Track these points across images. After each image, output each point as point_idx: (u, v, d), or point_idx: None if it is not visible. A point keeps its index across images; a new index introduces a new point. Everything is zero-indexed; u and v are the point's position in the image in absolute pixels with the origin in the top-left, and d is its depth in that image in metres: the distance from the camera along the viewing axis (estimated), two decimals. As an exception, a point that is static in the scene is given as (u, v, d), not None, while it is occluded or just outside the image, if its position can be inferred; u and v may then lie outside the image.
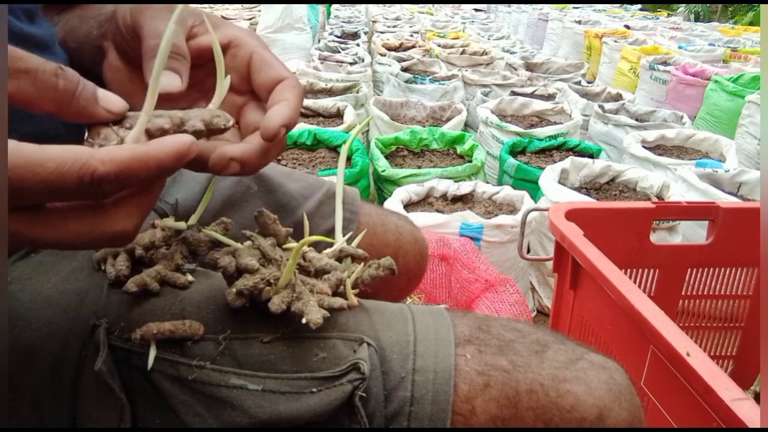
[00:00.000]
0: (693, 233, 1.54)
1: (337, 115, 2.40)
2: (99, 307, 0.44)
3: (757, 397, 1.01)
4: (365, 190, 1.92)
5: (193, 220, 0.49)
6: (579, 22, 5.41)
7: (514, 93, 2.84)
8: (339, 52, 3.81)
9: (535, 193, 1.72)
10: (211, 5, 5.84)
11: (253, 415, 0.41)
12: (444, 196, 1.73)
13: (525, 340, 0.48)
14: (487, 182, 1.86)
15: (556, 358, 0.46)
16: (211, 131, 0.39)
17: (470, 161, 1.95)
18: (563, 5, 6.96)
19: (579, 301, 0.91)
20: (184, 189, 0.61)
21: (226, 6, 5.89)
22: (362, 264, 0.50)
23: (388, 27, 5.16)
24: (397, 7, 7.22)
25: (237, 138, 0.46)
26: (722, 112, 2.75)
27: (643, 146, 2.06)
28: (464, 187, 1.71)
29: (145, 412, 0.42)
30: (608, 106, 2.63)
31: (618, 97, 2.92)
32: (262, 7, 5.05)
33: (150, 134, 0.37)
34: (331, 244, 0.50)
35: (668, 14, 8.16)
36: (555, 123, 2.44)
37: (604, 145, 2.43)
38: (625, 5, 8.60)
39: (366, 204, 0.72)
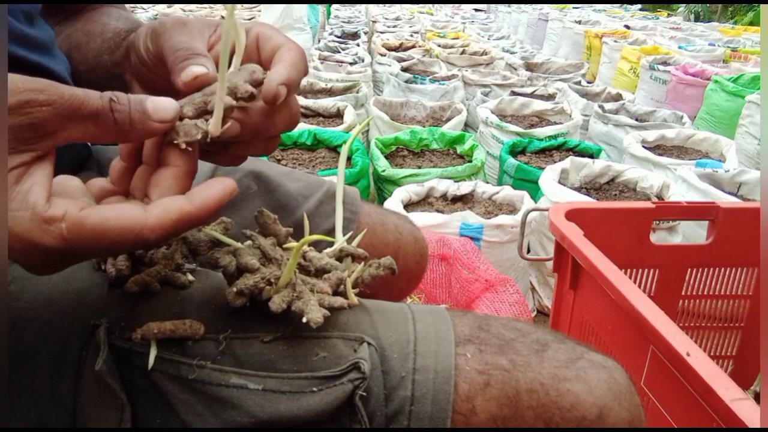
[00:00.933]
0: (693, 233, 1.54)
1: (337, 115, 2.40)
2: (99, 306, 0.44)
3: (757, 397, 1.01)
4: (365, 190, 1.92)
5: None
6: (579, 22, 5.41)
7: (514, 93, 2.84)
8: (339, 52, 3.81)
9: (535, 193, 1.72)
10: (211, 5, 5.84)
11: (254, 414, 0.41)
12: (444, 196, 1.73)
13: (525, 339, 0.48)
14: (487, 182, 1.86)
15: (556, 357, 0.46)
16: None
17: (470, 161, 1.95)
18: (563, 5, 6.95)
19: (579, 301, 0.92)
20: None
21: (226, 6, 5.88)
22: (362, 263, 0.50)
23: (388, 27, 5.16)
24: (397, 7, 7.22)
25: None
26: (722, 112, 2.75)
27: (643, 146, 2.06)
28: (464, 187, 1.71)
29: (146, 412, 0.42)
30: (608, 106, 2.63)
31: (618, 97, 2.92)
32: (262, 7, 5.06)
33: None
34: (331, 244, 0.50)
35: (668, 14, 8.16)
36: (555, 123, 2.44)
37: (604, 145, 2.43)
38: (625, 5, 8.60)
39: (366, 204, 0.72)
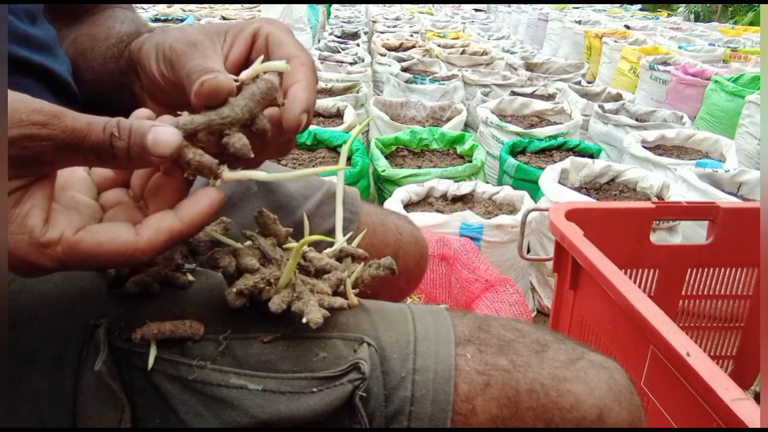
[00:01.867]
0: (693, 233, 1.54)
1: (337, 115, 2.40)
2: (99, 306, 0.44)
3: (757, 397, 1.01)
4: (365, 190, 1.92)
5: None
6: (579, 22, 5.41)
7: (514, 93, 2.84)
8: (339, 52, 3.81)
9: (535, 193, 1.72)
10: (211, 5, 5.84)
11: (254, 414, 0.41)
12: (444, 196, 1.73)
13: (525, 339, 0.48)
14: (487, 182, 1.86)
15: (556, 357, 0.46)
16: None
17: (470, 161, 1.95)
18: (563, 5, 6.95)
19: (579, 301, 0.91)
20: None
21: (226, 6, 5.89)
22: (362, 264, 0.50)
23: (388, 27, 5.16)
24: (397, 7, 7.22)
25: None
26: (722, 112, 2.75)
27: (643, 146, 2.06)
28: (464, 187, 1.71)
29: (146, 412, 0.42)
30: (608, 106, 2.63)
31: (618, 97, 2.92)
32: (262, 7, 5.06)
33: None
34: (331, 244, 0.50)
35: (668, 14, 8.16)
36: (555, 123, 2.44)
37: (604, 145, 2.43)
38: (625, 5, 8.60)
39: (366, 204, 0.72)
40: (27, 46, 0.50)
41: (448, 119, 2.44)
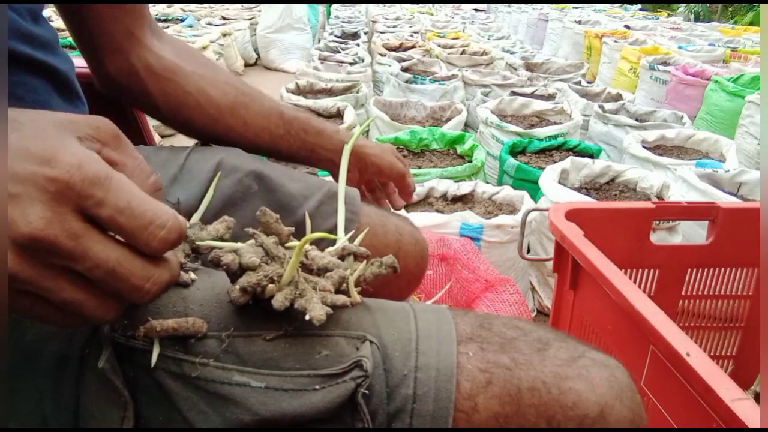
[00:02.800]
0: (693, 233, 1.54)
1: (337, 115, 2.40)
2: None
3: (757, 397, 1.01)
4: (365, 190, 1.92)
5: (195, 218, 0.49)
6: (579, 22, 5.41)
7: (514, 93, 2.84)
8: (339, 52, 3.82)
9: (535, 193, 1.72)
10: (211, 5, 5.84)
11: (257, 412, 0.41)
12: (444, 196, 1.73)
13: (527, 337, 0.48)
14: (487, 182, 1.86)
15: (558, 355, 0.47)
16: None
17: (470, 161, 1.95)
18: (563, 5, 6.96)
19: (579, 301, 0.92)
20: (185, 189, 0.61)
21: (226, 6, 5.89)
22: (364, 262, 0.50)
23: (388, 27, 5.17)
24: (397, 7, 7.22)
25: None
26: (722, 112, 2.76)
27: (643, 146, 2.06)
28: (464, 187, 1.71)
29: (148, 410, 0.42)
30: (608, 106, 2.63)
31: (618, 97, 2.92)
32: (262, 7, 5.06)
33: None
34: (332, 243, 0.50)
35: (668, 14, 8.16)
36: (555, 123, 2.45)
37: (604, 145, 2.43)
38: (625, 5, 8.60)
39: (366, 205, 0.72)
40: (30, 44, 0.50)
41: (448, 119, 2.44)
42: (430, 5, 7.58)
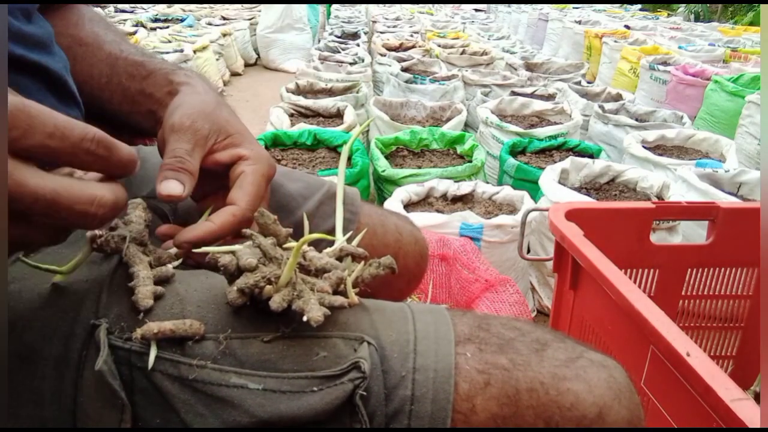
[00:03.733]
0: (693, 233, 1.54)
1: (337, 115, 2.40)
2: (99, 306, 0.44)
3: (757, 397, 1.01)
4: (365, 190, 1.92)
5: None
6: (579, 22, 5.41)
7: (514, 93, 2.84)
8: (339, 52, 3.82)
9: (535, 193, 1.72)
10: (211, 5, 5.84)
11: (254, 414, 0.41)
12: (444, 196, 1.73)
13: (525, 338, 0.48)
14: (487, 182, 1.86)
15: (556, 356, 0.46)
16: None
17: (470, 161, 1.95)
18: (563, 5, 6.96)
19: (579, 301, 0.92)
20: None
21: (226, 6, 5.89)
22: (363, 263, 0.50)
23: (388, 27, 5.17)
24: (397, 7, 7.22)
25: None
26: (722, 112, 2.75)
27: (643, 146, 2.06)
28: (464, 187, 1.71)
29: (146, 412, 0.42)
30: (608, 106, 2.63)
31: (618, 97, 2.92)
32: (262, 7, 5.06)
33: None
34: (331, 244, 0.50)
35: (668, 14, 8.16)
36: (555, 123, 2.44)
37: (604, 145, 2.43)
38: (625, 5, 8.60)
39: (366, 204, 0.72)
40: (23, 44, 0.50)
41: (448, 119, 2.44)
42: (430, 5, 7.58)
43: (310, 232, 0.49)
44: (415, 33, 4.78)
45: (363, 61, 3.43)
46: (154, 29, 4.34)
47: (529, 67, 3.60)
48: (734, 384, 0.55)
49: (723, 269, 1.05)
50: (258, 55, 5.02)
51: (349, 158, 1.87)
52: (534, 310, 1.64)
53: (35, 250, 0.43)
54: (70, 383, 0.42)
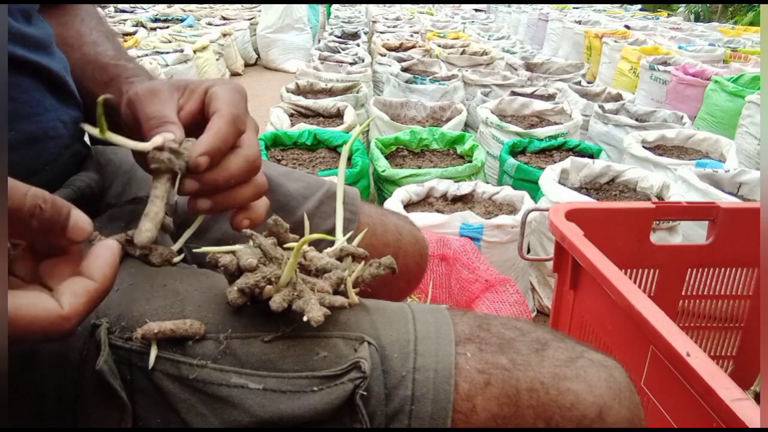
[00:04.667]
0: (693, 233, 1.54)
1: (337, 115, 2.40)
2: (100, 306, 0.44)
3: (757, 397, 1.01)
4: (365, 190, 1.92)
5: (179, 244, 0.49)
6: (579, 22, 5.40)
7: (514, 93, 2.84)
8: (339, 52, 3.82)
9: (535, 193, 1.72)
10: (211, 5, 5.84)
11: (255, 414, 0.41)
12: (444, 196, 1.73)
13: (525, 338, 0.48)
14: (487, 182, 1.86)
15: (556, 356, 0.47)
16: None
17: (470, 161, 1.95)
18: (563, 5, 6.95)
19: (579, 301, 0.92)
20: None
21: (226, 6, 5.89)
22: (363, 263, 0.50)
23: (388, 27, 5.16)
24: (397, 7, 7.22)
25: None
26: (722, 112, 2.75)
27: (643, 146, 2.06)
28: (464, 187, 1.71)
29: (146, 412, 0.42)
30: (608, 106, 2.63)
31: (618, 97, 2.92)
32: (262, 7, 5.06)
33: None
34: (331, 244, 0.50)
35: (668, 14, 8.15)
36: (555, 123, 2.44)
37: (604, 145, 2.43)
38: (625, 5, 8.60)
39: (366, 204, 0.72)
40: (23, 45, 0.50)
41: (448, 119, 2.44)
42: (430, 5, 7.58)
43: (311, 232, 0.49)
44: (415, 33, 4.77)
45: (363, 61, 3.43)
46: (154, 29, 4.33)
47: (529, 67, 3.60)
48: (734, 384, 0.55)
49: (723, 269, 1.05)
50: (258, 55, 5.02)
51: (349, 158, 1.87)
52: (534, 310, 1.64)
53: None
54: (70, 383, 0.42)
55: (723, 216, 1.01)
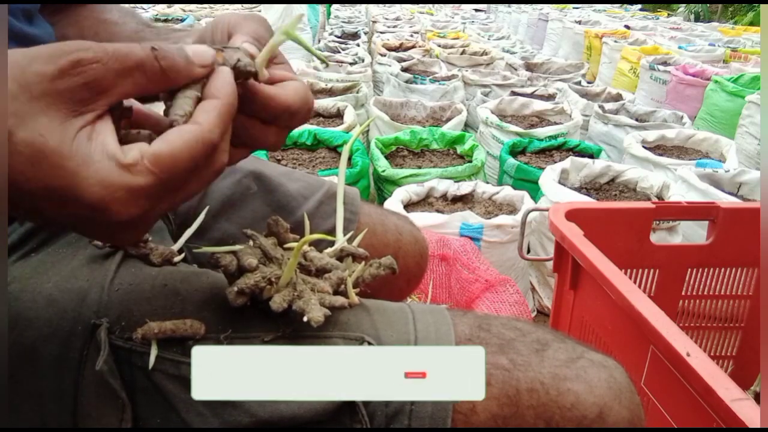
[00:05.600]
0: (693, 233, 1.54)
1: (337, 115, 2.40)
2: (100, 306, 0.44)
3: (757, 397, 1.01)
4: (365, 190, 1.92)
5: (187, 234, 0.49)
6: (579, 22, 5.41)
7: (514, 93, 2.84)
8: (339, 52, 3.82)
9: (535, 193, 1.72)
10: (211, 5, 5.84)
11: (254, 414, 0.41)
12: (444, 196, 1.73)
13: (525, 338, 0.48)
14: (487, 182, 1.86)
15: (557, 356, 0.47)
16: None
17: (470, 161, 1.95)
18: (563, 5, 6.96)
19: (579, 301, 0.92)
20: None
21: (226, 6, 5.89)
22: (363, 263, 0.50)
23: (388, 27, 5.16)
24: (397, 7, 7.22)
25: None
26: (722, 112, 2.75)
27: (643, 146, 2.06)
28: (464, 187, 1.71)
29: (146, 412, 0.42)
30: (608, 106, 2.63)
31: (618, 97, 2.92)
32: (262, 7, 5.05)
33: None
34: (331, 244, 0.50)
35: (668, 14, 8.16)
36: (555, 123, 2.44)
37: (604, 145, 2.43)
38: (625, 5, 8.60)
39: (366, 204, 0.72)
40: (25, 45, 0.50)
41: (448, 119, 2.44)
42: (430, 5, 7.58)
43: (311, 232, 0.49)
44: (415, 33, 4.77)
45: (363, 61, 3.43)
46: (154, 29, 4.33)
47: (529, 67, 3.60)
48: (734, 384, 0.56)
49: (723, 269, 1.05)
50: (258, 55, 5.01)
51: (349, 158, 1.87)
52: (534, 310, 1.64)
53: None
54: (70, 383, 0.42)
55: (723, 216, 1.01)
